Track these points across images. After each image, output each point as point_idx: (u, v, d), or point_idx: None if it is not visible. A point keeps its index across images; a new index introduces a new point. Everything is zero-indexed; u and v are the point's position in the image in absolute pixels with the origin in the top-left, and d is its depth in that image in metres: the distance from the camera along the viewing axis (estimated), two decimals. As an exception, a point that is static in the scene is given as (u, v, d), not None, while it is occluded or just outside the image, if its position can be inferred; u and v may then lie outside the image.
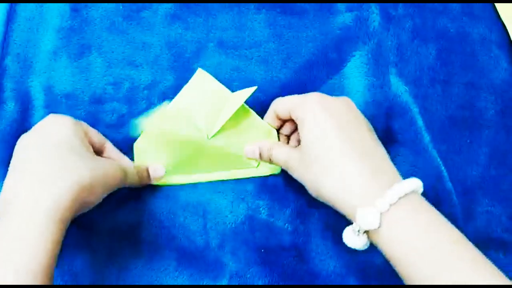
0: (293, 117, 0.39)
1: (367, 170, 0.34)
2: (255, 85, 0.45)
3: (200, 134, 0.43)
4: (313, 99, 0.38)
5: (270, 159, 0.41)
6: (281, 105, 0.41)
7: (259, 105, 0.45)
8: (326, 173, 0.35)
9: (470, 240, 0.40)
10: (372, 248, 0.34)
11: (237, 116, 0.43)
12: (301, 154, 0.37)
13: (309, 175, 0.36)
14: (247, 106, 0.44)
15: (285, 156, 0.39)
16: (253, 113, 0.44)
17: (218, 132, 0.43)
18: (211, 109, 0.43)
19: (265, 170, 0.44)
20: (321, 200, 0.36)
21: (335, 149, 0.35)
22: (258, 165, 0.44)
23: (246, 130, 0.44)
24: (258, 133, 0.44)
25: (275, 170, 0.44)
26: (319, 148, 0.36)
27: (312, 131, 0.36)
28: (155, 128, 0.43)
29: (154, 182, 0.43)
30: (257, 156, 0.42)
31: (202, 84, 0.44)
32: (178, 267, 0.42)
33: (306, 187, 0.37)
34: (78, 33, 0.47)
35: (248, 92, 0.42)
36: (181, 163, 0.43)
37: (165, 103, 0.43)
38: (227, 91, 0.44)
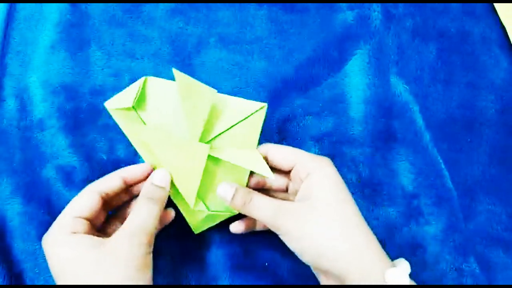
0: (300, 169, 0.36)
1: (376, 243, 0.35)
2: (255, 81, 0.45)
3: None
4: (324, 158, 0.37)
5: (243, 208, 0.36)
6: (282, 155, 0.37)
7: (259, 100, 0.45)
8: (336, 229, 0.34)
9: (470, 238, 0.40)
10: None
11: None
12: (303, 207, 0.34)
13: (314, 229, 0.34)
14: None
15: (273, 209, 0.35)
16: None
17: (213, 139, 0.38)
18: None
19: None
20: (316, 263, 0.34)
21: (350, 209, 0.35)
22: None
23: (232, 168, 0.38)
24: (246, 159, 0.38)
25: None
26: (335, 203, 0.34)
27: (329, 185, 0.35)
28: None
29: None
30: (229, 198, 0.36)
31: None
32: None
33: (299, 248, 0.34)
34: (77, 27, 0.47)
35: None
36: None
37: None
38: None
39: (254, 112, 0.37)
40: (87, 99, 0.45)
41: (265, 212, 0.35)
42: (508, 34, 0.48)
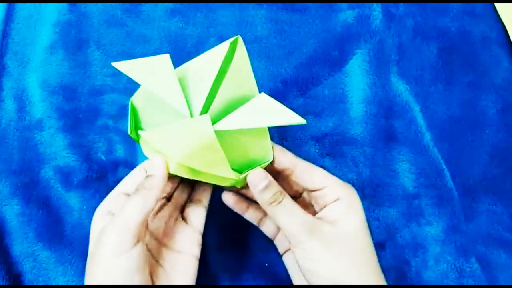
0: (329, 194, 0.35)
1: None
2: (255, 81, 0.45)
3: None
4: (352, 188, 0.36)
5: (269, 206, 0.34)
6: (311, 176, 0.35)
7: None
8: (353, 262, 0.33)
9: (471, 239, 0.40)
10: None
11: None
12: (331, 232, 0.33)
13: (335, 255, 0.32)
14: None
15: (304, 222, 0.33)
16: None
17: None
18: (230, 93, 0.33)
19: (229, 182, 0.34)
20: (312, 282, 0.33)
21: (369, 244, 0.34)
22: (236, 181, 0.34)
23: (249, 138, 0.34)
24: (256, 148, 0.35)
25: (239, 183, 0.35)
26: (359, 237, 0.34)
27: (355, 217, 0.34)
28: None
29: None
30: (259, 188, 0.34)
31: (233, 58, 0.33)
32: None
33: (313, 269, 0.33)
34: (76, 27, 0.47)
35: (293, 120, 0.32)
36: (159, 138, 0.33)
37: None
38: (252, 79, 0.34)
39: (230, 50, 0.33)
40: (86, 99, 0.45)
41: (293, 222, 0.33)
42: (509, 34, 0.48)
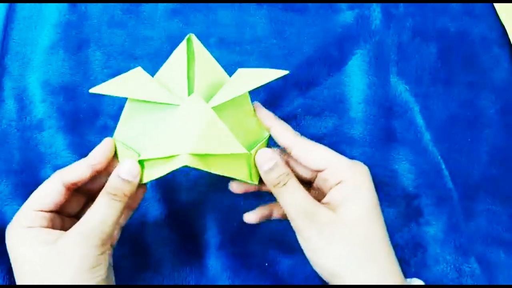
0: (332, 175, 0.33)
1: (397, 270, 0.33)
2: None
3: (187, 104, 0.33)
4: (360, 166, 0.34)
5: (274, 187, 0.33)
6: (312, 156, 0.34)
7: (258, 101, 0.45)
8: (358, 252, 0.31)
9: (470, 239, 0.40)
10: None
11: (236, 101, 0.35)
12: (331, 220, 0.32)
13: (335, 247, 0.31)
14: (248, 96, 0.36)
15: (304, 207, 0.32)
16: (250, 105, 0.36)
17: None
18: (205, 81, 0.35)
19: (244, 174, 0.35)
20: (326, 278, 0.32)
21: (378, 230, 0.32)
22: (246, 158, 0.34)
23: (240, 119, 0.35)
24: (251, 129, 0.36)
25: (253, 179, 0.35)
26: (365, 223, 0.32)
27: (362, 201, 0.32)
28: (133, 108, 0.35)
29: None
30: (265, 168, 0.33)
31: (192, 52, 0.35)
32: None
33: (314, 259, 0.32)
34: (76, 27, 0.47)
35: (276, 74, 0.34)
36: (162, 142, 0.33)
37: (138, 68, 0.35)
38: (219, 67, 0.36)
39: (188, 48, 0.35)
40: (86, 100, 0.45)
41: (294, 207, 0.32)
42: (508, 34, 0.48)
